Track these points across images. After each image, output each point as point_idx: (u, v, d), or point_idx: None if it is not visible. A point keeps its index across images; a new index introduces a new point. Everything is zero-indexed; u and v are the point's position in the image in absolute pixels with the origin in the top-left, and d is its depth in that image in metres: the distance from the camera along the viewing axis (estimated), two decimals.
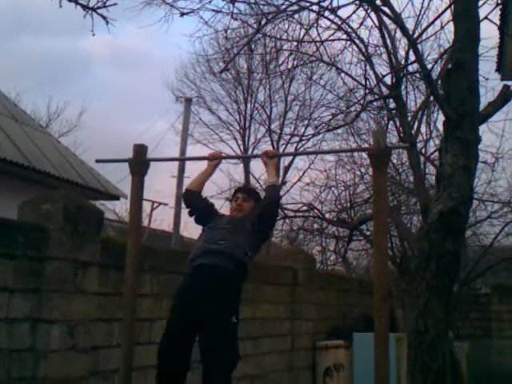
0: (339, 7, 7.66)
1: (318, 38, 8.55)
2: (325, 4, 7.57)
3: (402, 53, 9.50)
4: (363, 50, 9.01)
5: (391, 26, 8.63)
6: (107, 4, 5.96)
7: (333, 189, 14.04)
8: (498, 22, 7.84)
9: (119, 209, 24.58)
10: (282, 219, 14.19)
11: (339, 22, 8.24)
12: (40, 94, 48.77)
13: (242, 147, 20.57)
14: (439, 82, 7.51)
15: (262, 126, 20.46)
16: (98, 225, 5.47)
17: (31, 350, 4.80)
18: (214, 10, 7.48)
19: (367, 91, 9.43)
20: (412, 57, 8.21)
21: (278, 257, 10.51)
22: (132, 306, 4.22)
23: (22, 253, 4.77)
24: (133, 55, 48.50)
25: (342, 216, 13.51)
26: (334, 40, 8.94)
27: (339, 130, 13.67)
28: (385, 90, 9.44)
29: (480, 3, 7.02)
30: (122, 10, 7.29)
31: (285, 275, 9.20)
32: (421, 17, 8.78)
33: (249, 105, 20.33)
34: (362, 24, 8.48)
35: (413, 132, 9.47)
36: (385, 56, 9.51)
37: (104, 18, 6.05)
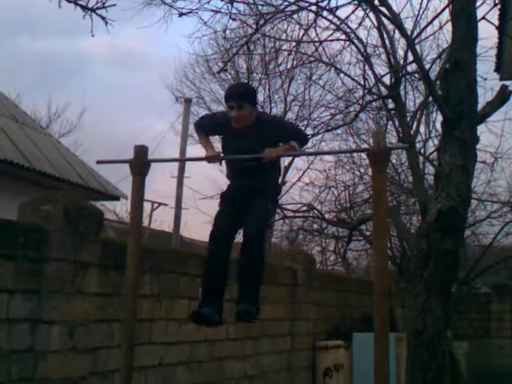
0: (338, 7, 7.68)
1: (316, 39, 8.57)
2: (323, 4, 7.58)
3: (400, 53, 9.53)
4: (362, 50, 9.02)
5: (390, 26, 8.64)
6: (106, 5, 5.97)
7: (332, 189, 14.06)
8: (497, 22, 7.85)
9: (119, 209, 24.61)
10: (282, 219, 14.21)
11: (338, 23, 8.25)
12: (40, 94, 48.79)
13: None
14: (438, 81, 7.52)
15: None
16: (97, 225, 5.48)
17: (31, 351, 4.81)
18: (212, 11, 7.50)
19: (366, 91, 9.44)
20: (411, 57, 8.22)
21: (277, 257, 10.51)
22: (132, 306, 4.22)
23: (22, 253, 4.78)
24: (132, 56, 48.51)
25: (342, 216, 13.52)
26: (332, 40, 8.95)
27: (338, 130, 13.71)
28: (384, 90, 9.45)
29: (478, 3, 7.05)
30: (121, 10, 7.31)
31: (284, 275, 9.21)
32: (419, 17, 8.82)
33: None
34: (360, 24, 8.50)
35: (412, 132, 9.48)
36: (384, 56, 9.53)
37: (103, 18, 6.07)
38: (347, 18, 8.11)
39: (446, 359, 6.10)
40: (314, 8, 7.78)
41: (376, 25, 8.75)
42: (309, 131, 16.08)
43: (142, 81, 48.99)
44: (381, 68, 10.60)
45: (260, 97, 20.35)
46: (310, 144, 16.41)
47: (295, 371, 9.26)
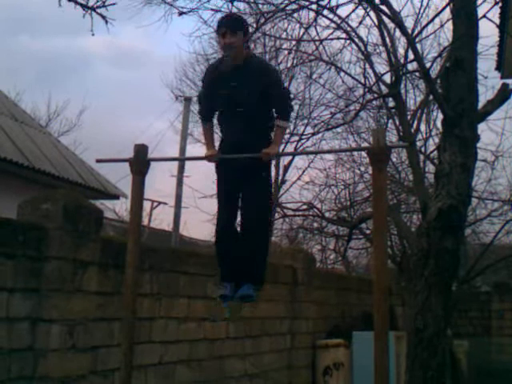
0: (338, 6, 7.67)
1: (317, 37, 8.55)
2: (324, 3, 7.57)
3: (401, 51, 9.52)
4: (362, 48, 9.00)
5: (390, 24, 8.63)
6: (106, 3, 5.95)
7: (332, 187, 14.06)
8: (498, 21, 7.84)
9: (119, 208, 24.56)
10: (282, 218, 14.20)
11: (338, 21, 8.23)
12: (40, 93, 48.78)
13: None
14: (438, 80, 7.51)
15: None
16: (97, 224, 5.48)
17: (31, 349, 4.81)
18: (213, 10, 7.49)
19: (366, 90, 9.43)
20: (411, 55, 8.21)
21: (277, 256, 10.51)
22: (132, 305, 4.22)
23: (21, 252, 4.78)
24: (132, 54, 48.50)
25: (342, 215, 13.52)
26: (333, 39, 8.94)
27: (339, 129, 13.69)
28: (384, 89, 9.44)
29: (479, 2, 7.03)
30: (122, 9, 7.30)
31: (284, 274, 9.20)
32: (420, 15, 8.80)
33: None
34: (361, 23, 8.51)
35: (412, 130, 9.48)
36: (384, 55, 9.53)
37: (103, 17, 6.05)
38: (348, 16, 8.11)
39: (446, 357, 6.10)
40: (314, 7, 7.78)
41: (376, 23, 8.74)
42: (309, 130, 16.08)
43: (142, 79, 48.99)
44: (381, 66, 10.60)
45: None
46: (310, 143, 16.44)
47: (295, 370, 9.27)
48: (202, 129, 4.78)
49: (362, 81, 9.69)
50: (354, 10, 7.97)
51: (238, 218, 4.47)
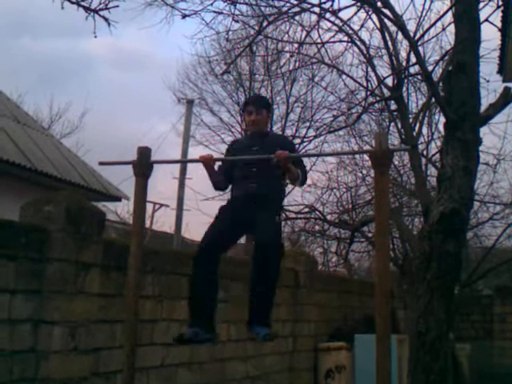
0: (340, 9, 7.68)
1: (319, 40, 8.57)
2: (326, 6, 7.58)
3: (403, 54, 9.52)
4: (364, 51, 9.01)
5: (392, 27, 8.64)
6: (109, 6, 5.98)
7: (334, 190, 14.05)
8: (500, 24, 7.85)
9: (121, 210, 24.62)
10: (284, 221, 14.20)
11: (340, 24, 8.25)
12: (42, 95, 48.85)
13: None
14: (440, 83, 7.51)
15: None
16: (99, 226, 5.48)
17: (33, 351, 4.81)
18: (215, 12, 7.51)
19: (368, 93, 9.43)
20: (413, 58, 8.21)
21: None
22: (134, 307, 4.22)
23: (23, 254, 4.78)
24: (134, 57, 48.58)
25: (344, 218, 13.51)
26: (335, 42, 8.95)
27: (341, 132, 13.69)
28: (386, 92, 9.45)
29: (481, 5, 7.03)
30: (124, 11, 7.30)
31: (286, 277, 9.19)
32: (422, 18, 8.80)
33: None
34: (363, 26, 8.51)
35: (414, 134, 9.47)
36: (386, 58, 9.53)
37: (106, 19, 6.07)
38: (350, 19, 8.12)
39: (448, 361, 6.09)
40: (316, 10, 7.79)
41: (378, 26, 8.74)
42: (311, 133, 16.11)
43: (144, 82, 49.07)
44: (383, 70, 10.62)
45: None
46: (312, 145, 16.46)
47: (297, 372, 9.25)
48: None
49: (364, 84, 9.70)
50: (355, 13, 7.99)
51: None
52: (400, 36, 8.89)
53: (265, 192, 4.30)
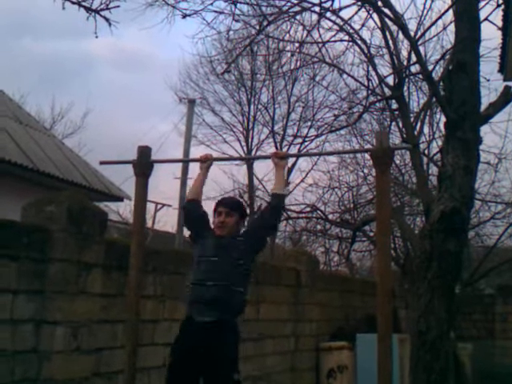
0: (341, 8, 7.68)
1: (320, 39, 8.57)
2: (327, 5, 7.58)
3: (404, 53, 9.52)
4: (365, 50, 9.00)
5: (393, 26, 8.63)
6: (110, 6, 5.98)
7: (336, 190, 14.07)
8: (501, 23, 7.84)
9: (123, 210, 24.62)
10: (286, 220, 14.21)
11: (341, 23, 8.24)
12: (44, 95, 48.89)
13: (245, 148, 20.57)
14: (441, 82, 7.51)
15: (265, 128, 20.46)
16: (101, 226, 5.49)
17: (35, 351, 4.82)
18: (216, 12, 7.51)
19: (369, 92, 9.43)
20: (414, 57, 8.20)
21: (281, 258, 10.50)
22: (135, 307, 4.23)
23: (25, 254, 4.79)
24: (136, 57, 48.59)
25: (346, 217, 13.52)
26: (336, 41, 8.95)
27: (342, 131, 13.71)
28: (387, 91, 9.44)
29: (482, 4, 7.03)
30: (125, 11, 7.31)
31: (288, 276, 9.20)
32: (423, 18, 8.80)
33: (252, 106, 20.30)
34: (363, 25, 8.50)
35: (416, 133, 9.46)
36: (387, 57, 9.53)
37: (107, 20, 6.07)
38: (350, 18, 8.11)
39: (449, 360, 6.09)
40: (317, 9, 7.78)
41: (379, 25, 8.74)
42: (312, 132, 16.11)
43: (146, 82, 49.09)
44: (384, 69, 10.60)
45: (263, 98, 20.40)
46: (313, 145, 16.47)
47: (299, 372, 9.26)
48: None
49: (365, 83, 9.69)
50: (356, 12, 7.99)
51: None
52: (401, 35, 8.88)
53: (223, 298, 4.08)
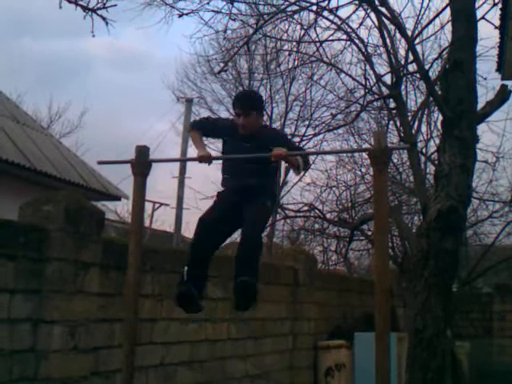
0: (338, 7, 7.69)
1: (317, 39, 8.57)
2: (324, 4, 7.59)
3: (401, 52, 9.52)
4: (363, 50, 9.01)
5: (391, 25, 8.64)
6: (107, 5, 5.99)
7: (334, 189, 14.06)
8: (498, 22, 7.85)
9: (120, 209, 24.60)
10: (283, 219, 14.21)
11: (339, 23, 8.24)
12: (41, 95, 48.84)
13: None
14: (438, 81, 7.52)
15: None
16: (99, 225, 5.49)
17: (32, 351, 4.82)
18: (213, 11, 7.51)
19: (367, 91, 9.44)
20: (412, 56, 8.21)
21: (279, 257, 10.51)
22: (133, 306, 4.23)
23: (22, 253, 4.79)
24: (133, 56, 48.55)
25: (343, 216, 13.52)
26: (333, 40, 8.96)
27: (340, 130, 13.69)
28: (385, 90, 9.45)
29: (479, 3, 7.04)
30: (122, 11, 7.31)
31: (286, 275, 9.21)
32: (420, 17, 8.81)
33: None
34: (361, 24, 8.51)
35: (413, 132, 9.48)
36: (384, 56, 9.53)
37: (104, 19, 6.08)
38: (348, 17, 8.12)
39: (446, 359, 6.09)
40: (314, 8, 7.80)
41: (377, 25, 8.75)
42: (310, 131, 16.10)
43: (144, 81, 49.04)
44: (382, 68, 10.64)
45: None
46: (311, 144, 16.46)
47: (297, 371, 9.27)
48: (191, 135, 4.80)
49: (363, 82, 9.70)
50: (354, 12, 7.99)
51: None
52: (398, 34, 8.89)
53: (258, 184, 4.34)
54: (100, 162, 4.98)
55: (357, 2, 7.70)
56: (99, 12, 6.05)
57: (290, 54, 9.74)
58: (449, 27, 7.67)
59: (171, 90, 21.98)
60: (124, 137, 37.59)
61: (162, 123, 56.12)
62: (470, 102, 6.18)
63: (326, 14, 8.04)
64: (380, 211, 3.87)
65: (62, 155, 13.29)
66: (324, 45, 9.03)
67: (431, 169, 11.86)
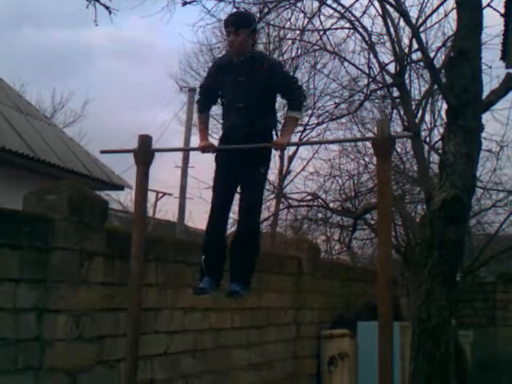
0: None
1: (321, 27, 8.51)
2: None
3: (405, 41, 9.47)
4: (366, 38, 8.96)
5: (395, 14, 8.60)
6: None
7: (337, 178, 14.03)
8: (503, 10, 7.80)
9: (124, 199, 24.63)
10: (286, 209, 14.21)
11: (342, 11, 8.20)
12: (44, 85, 48.79)
13: None
14: (443, 70, 7.48)
15: None
16: (102, 215, 5.50)
17: (37, 340, 4.84)
18: None
19: (371, 80, 9.40)
20: (416, 45, 8.17)
21: (282, 246, 10.53)
22: (137, 295, 4.24)
23: (27, 243, 4.80)
24: (136, 46, 48.42)
25: (347, 205, 13.51)
26: (337, 28, 8.90)
27: (343, 119, 13.64)
28: (388, 79, 9.41)
29: None
30: (125, 0, 7.27)
31: (289, 264, 9.22)
32: (424, 5, 8.75)
33: None
34: (365, 12, 8.42)
35: (417, 121, 9.44)
36: (388, 44, 9.48)
37: (107, 7, 6.06)
38: (351, 6, 8.04)
39: (450, 348, 6.10)
40: None
41: (381, 13, 8.70)
42: (313, 120, 16.05)
43: (146, 71, 48.94)
44: (385, 56, 10.54)
45: None
46: (314, 133, 16.42)
47: (300, 360, 9.31)
48: (197, 119, 4.85)
49: (367, 71, 9.66)
50: (357, 0, 7.94)
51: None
52: (402, 22, 8.84)
53: (255, 131, 4.34)
54: (103, 152, 4.99)
55: None
56: (102, 1, 6.03)
57: (293, 43, 9.74)
58: (453, 15, 7.64)
59: (174, 79, 21.95)
60: (127, 127, 37.60)
61: (165, 113, 56.04)
62: (475, 90, 6.14)
63: (329, 2, 8.00)
64: (383, 200, 3.88)
65: (65, 145, 13.30)
66: (327, 33, 8.98)
67: (435, 158, 11.82)
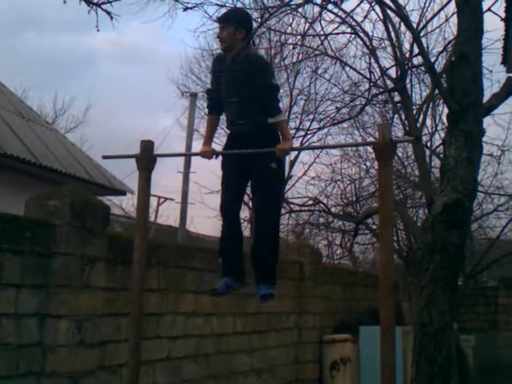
0: (343, 0, 7.65)
1: (322, 32, 8.54)
2: None
3: (406, 46, 9.49)
4: (368, 43, 8.98)
5: (395, 18, 8.61)
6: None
7: (338, 183, 14.05)
8: (503, 14, 7.81)
9: (126, 204, 24.64)
10: (288, 213, 14.21)
11: (343, 16, 8.21)
12: (46, 90, 48.87)
13: None
14: (444, 74, 7.49)
15: None
16: (104, 220, 5.51)
17: (39, 345, 4.84)
18: (217, 5, 7.49)
19: (372, 84, 9.41)
20: (417, 49, 8.18)
21: (284, 251, 10.52)
22: (139, 300, 4.24)
23: (29, 249, 4.81)
24: (138, 51, 48.51)
25: (348, 210, 13.52)
26: (338, 33, 8.92)
27: (344, 124, 13.67)
28: (390, 83, 9.42)
29: None
30: (126, 5, 7.30)
31: (291, 269, 9.21)
32: (425, 9, 8.78)
33: None
34: (366, 17, 8.46)
35: (418, 125, 9.45)
36: (389, 49, 9.50)
37: (108, 13, 6.09)
38: (353, 11, 8.08)
39: (452, 352, 6.09)
40: (319, 1, 7.76)
41: (381, 18, 8.72)
42: (314, 125, 16.06)
43: (148, 76, 49.02)
44: (386, 61, 10.57)
45: None
46: (315, 138, 16.42)
47: (302, 365, 9.29)
48: (206, 123, 4.87)
49: (368, 75, 9.67)
50: (358, 5, 7.92)
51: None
52: (403, 27, 8.86)
53: (253, 130, 4.30)
54: (105, 157, 4.99)
55: None
56: (104, 6, 6.06)
57: (294, 48, 9.75)
58: (454, 19, 7.65)
59: (175, 84, 21.94)
60: (129, 132, 37.62)
61: (167, 118, 56.10)
62: (475, 94, 6.14)
63: (330, 7, 8.01)
64: (385, 205, 3.87)
65: (67, 150, 13.31)
66: (328, 38, 9.00)
67: (436, 162, 11.81)
